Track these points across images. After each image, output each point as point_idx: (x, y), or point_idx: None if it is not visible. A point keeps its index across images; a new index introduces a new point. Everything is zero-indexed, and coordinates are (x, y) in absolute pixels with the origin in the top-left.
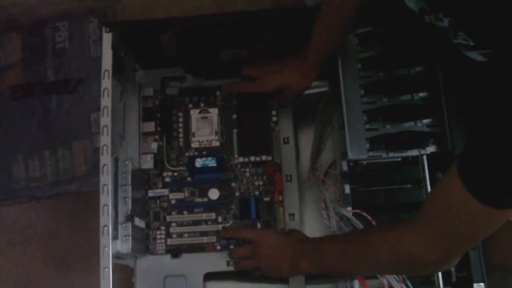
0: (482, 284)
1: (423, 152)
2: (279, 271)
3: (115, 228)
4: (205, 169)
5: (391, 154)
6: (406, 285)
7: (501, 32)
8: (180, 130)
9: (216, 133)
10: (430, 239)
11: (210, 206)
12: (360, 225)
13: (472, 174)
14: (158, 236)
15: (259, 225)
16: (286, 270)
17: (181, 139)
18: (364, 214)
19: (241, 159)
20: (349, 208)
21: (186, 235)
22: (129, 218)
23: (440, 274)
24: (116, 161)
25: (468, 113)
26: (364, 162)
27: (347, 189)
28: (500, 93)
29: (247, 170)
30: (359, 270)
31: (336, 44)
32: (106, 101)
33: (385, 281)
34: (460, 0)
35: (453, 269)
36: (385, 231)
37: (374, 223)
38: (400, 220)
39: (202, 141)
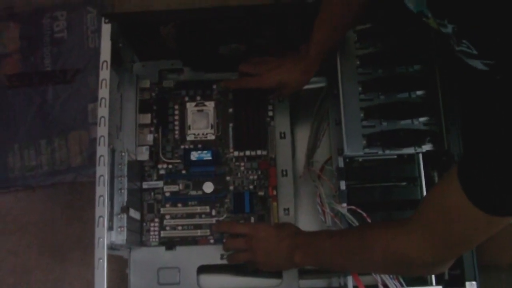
0: (474, 282)
1: (419, 150)
2: (274, 264)
3: (111, 219)
4: (200, 162)
5: (387, 151)
6: (400, 282)
7: (506, 44)
8: (176, 122)
9: (211, 127)
10: (426, 241)
11: (204, 199)
12: (355, 222)
13: (472, 181)
14: (152, 228)
15: (252, 219)
16: (281, 263)
17: (177, 132)
18: (359, 210)
19: (236, 153)
20: (344, 205)
21: (179, 227)
22: (125, 209)
23: None
24: (112, 152)
25: (467, 118)
26: (360, 159)
27: (343, 185)
28: (502, 103)
29: (242, 164)
30: (353, 266)
31: (336, 42)
32: (104, 92)
33: (378, 278)
34: (467, 9)
35: None
36: (382, 229)
37: (369, 219)
38: (396, 219)
39: (198, 134)
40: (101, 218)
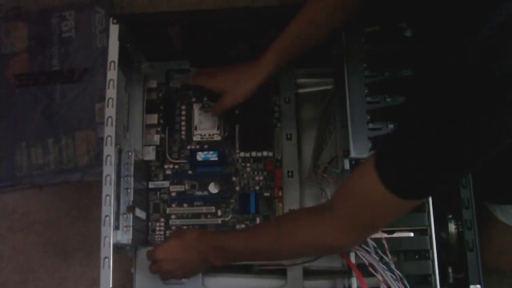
0: (478, 286)
1: None
2: (190, 272)
3: (117, 218)
4: (206, 162)
5: None
6: (404, 284)
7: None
8: (183, 123)
9: (218, 128)
10: (346, 228)
11: (210, 199)
12: None
13: (387, 169)
14: (158, 228)
15: (258, 220)
16: (196, 268)
17: (183, 132)
18: None
19: (242, 154)
20: None
21: (185, 227)
22: (131, 209)
23: (437, 275)
24: (119, 152)
25: None
26: None
27: None
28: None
29: (248, 165)
30: (276, 256)
31: (297, 52)
32: (111, 92)
33: (381, 278)
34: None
35: (450, 270)
36: (302, 221)
37: None
38: (314, 209)
39: (204, 135)
40: (107, 217)
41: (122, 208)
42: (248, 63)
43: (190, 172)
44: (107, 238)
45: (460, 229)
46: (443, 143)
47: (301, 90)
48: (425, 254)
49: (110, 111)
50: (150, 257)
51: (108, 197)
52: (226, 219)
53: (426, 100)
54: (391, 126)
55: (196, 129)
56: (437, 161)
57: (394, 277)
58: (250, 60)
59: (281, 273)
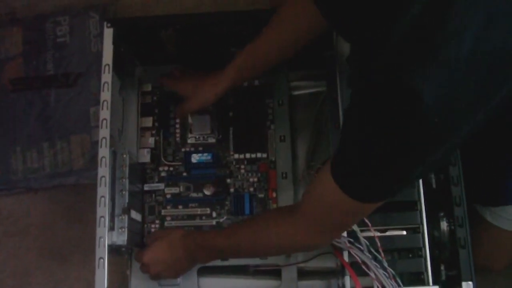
0: (470, 283)
1: None
2: (178, 271)
3: (112, 219)
4: (200, 164)
5: None
6: (397, 282)
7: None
8: (177, 126)
9: (212, 130)
10: (313, 229)
11: (205, 201)
12: None
13: (343, 174)
14: (153, 230)
15: None
16: (185, 267)
17: (178, 135)
18: None
19: (236, 156)
20: None
21: None
22: (126, 210)
23: (430, 272)
24: (114, 154)
25: None
26: None
27: None
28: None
29: (242, 166)
30: (251, 253)
31: (258, 71)
32: (106, 95)
33: (374, 276)
34: None
35: (442, 268)
36: (278, 221)
37: (367, 221)
38: (288, 208)
39: (198, 137)
40: (102, 218)
41: (117, 210)
42: (212, 72)
43: (185, 174)
44: (102, 239)
45: (452, 227)
46: (375, 151)
47: (294, 92)
48: (417, 252)
49: (105, 113)
50: (138, 259)
51: (103, 198)
52: (221, 220)
53: (355, 109)
54: None
55: (190, 131)
56: (375, 167)
57: (387, 275)
58: (213, 72)
59: (276, 273)
